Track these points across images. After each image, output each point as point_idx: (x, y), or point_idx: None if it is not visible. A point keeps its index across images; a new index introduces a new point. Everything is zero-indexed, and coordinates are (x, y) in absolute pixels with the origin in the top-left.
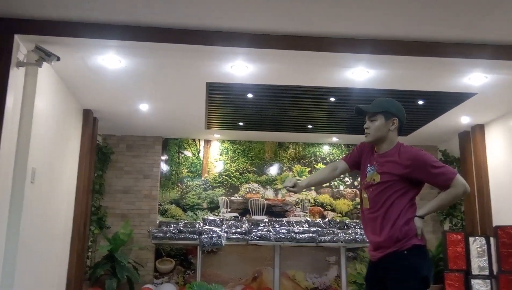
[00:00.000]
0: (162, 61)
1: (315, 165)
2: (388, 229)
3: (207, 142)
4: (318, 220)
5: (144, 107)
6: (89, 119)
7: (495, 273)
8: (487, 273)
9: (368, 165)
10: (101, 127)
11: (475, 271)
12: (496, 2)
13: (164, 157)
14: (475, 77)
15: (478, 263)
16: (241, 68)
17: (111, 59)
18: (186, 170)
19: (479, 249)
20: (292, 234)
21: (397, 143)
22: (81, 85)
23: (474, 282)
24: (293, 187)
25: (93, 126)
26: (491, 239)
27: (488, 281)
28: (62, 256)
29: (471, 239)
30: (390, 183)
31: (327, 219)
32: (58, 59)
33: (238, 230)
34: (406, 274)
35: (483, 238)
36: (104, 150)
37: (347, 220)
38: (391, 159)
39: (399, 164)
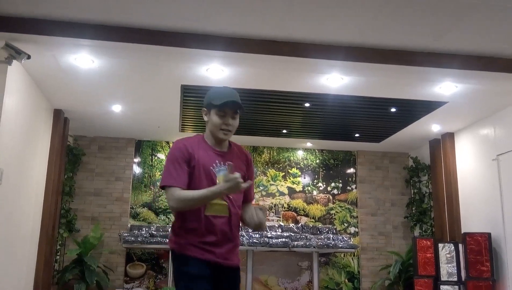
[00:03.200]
0: (136, 62)
1: (289, 170)
2: (238, 234)
3: None
4: (291, 225)
5: (117, 108)
6: (59, 119)
7: (463, 279)
8: (455, 279)
9: (214, 165)
10: (72, 128)
11: (444, 277)
12: (466, 13)
13: (136, 160)
14: (445, 86)
15: (447, 269)
16: (216, 71)
17: (83, 59)
18: (159, 173)
19: (448, 255)
20: (265, 239)
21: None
22: (52, 84)
23: (443, 288)
24: None
25: (63, 126)
26: (460, 245)
27: (456, 287)
28: (29, 259)
29: (440, 245)
30: None
31: (300, 224)
32: (29, 57)
33: None
34: None
35: (452, 244)
36: (75, 151)
37: (320, 225)
38: (236, 157)
39: (244, 161)
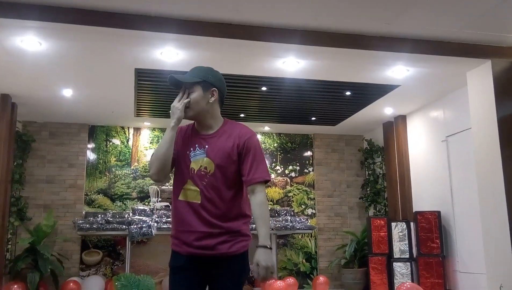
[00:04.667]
0: (86, 45)
1: None
2: (228, 219)
3: (137, 130)
4: None
5: (68, 92)
6: (7, 104)
7: (414, 256)
8: (407, 256)
9: (191, 149)
10: (21, 114)
11: (396, 255)
12: None
13: (90, 145)
14: (398, 70)
15: (399, 246)
16: (171, 54)
17: (30, 41)
18: (115, 159)
19: (400, 234)
20: None
21: (225, 119)
22: None
23: (395, 265)
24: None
25: (11, 112)
26: (411, 224)
27: (408, 263)
28: None
29: (393, 224)
30: (225, 168)
31: None
32: None
33: (169, 219)
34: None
35: (404, 223)
36: (24, 138)
37: (278, 207)
38: (223, 137)
39: (233, 140)
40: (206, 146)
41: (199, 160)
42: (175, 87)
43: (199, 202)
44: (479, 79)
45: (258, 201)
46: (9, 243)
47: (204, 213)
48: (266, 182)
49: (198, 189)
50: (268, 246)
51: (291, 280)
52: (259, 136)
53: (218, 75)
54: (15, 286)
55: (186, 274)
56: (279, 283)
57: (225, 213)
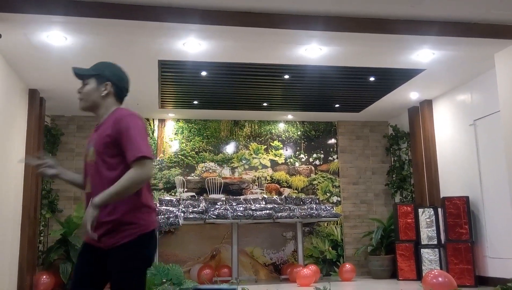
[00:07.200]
0: (110, 38)
1: (270, 143)
2: (111, 209)
3: (162, 121)
4: (274, 196)
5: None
6: (35, 99)
7: (443, 242)
8: (435, 242)
9: (89, 143)
10: (49, 108)
11: (424, 241)
12: None
13: None
14: (423, 54)
15: (427, 233)
16: (193, 45)
17: (56, 36)
18: None
19: (428, 220)
20: (249, 211)
21: (114, 109)
22: (25, 63)
23: (423, 251)
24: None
25: (40, 106)
26: (439, 209)
27: (436, 250)
28: (13, 242)
29: (420, 210)
30: (104, 154)
31: (283, 196)
32: None
33: (196, 209)
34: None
35: (431, 209)
36: (53, 132)
37: (303, 196)
38: (104, 126)
39: (109, 125)
40: (95, 137)
41: (90, 151)
42: (79, 79)
43: (90, 191)
44: (507, 61)
45: (124, 175)
46: (42, 235)
47: (86, 196)
48: (141, 158)
49: (90, 179)
50: (93, 203)
51: (313, 267)
52: (282, 125)
53: (116, 71)
54: (48, 277)
55: (84, 261)
56: (305, 271)
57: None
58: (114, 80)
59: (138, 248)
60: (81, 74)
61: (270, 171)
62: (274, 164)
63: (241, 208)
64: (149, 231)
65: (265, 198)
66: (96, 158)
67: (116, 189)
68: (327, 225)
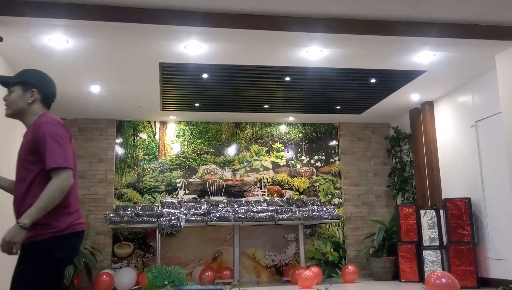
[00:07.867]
0: (112, 41)
1: (272, 145)
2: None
3: (163, 124)
4: (276, 198)
5: (95, 89)
6: None
7: (444, 243)
8: (437, 244)
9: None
10: (51, 110)
11: (426, 243)
12: None
13: (118, 140)
14: (424, 55)
15: (429, 234)
16: (195, 47)
17: (58, 39)
18: (142, 153)
19: (429, 221)
20: (251, 213)
21: (40, 114)
22: (26, 66)
23: (425, 253)
24: None
25: None
26: (441, 211)
27: (438, 251)
28: None
29: (422, 212)
30: (25, 160)
31: (285, 198)
32: (1, 39)
33: (197, 211)
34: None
35: (433, 210)
36: None
37: (304, 197)
38: (28, 133)
39: (29, 134)
40: (22, 143)
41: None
42: (4, 86)
43: (14, 197)
44: (508, 62)
45: (47, 187)
46: None
47: (15, 204)
48: (56, 169)
49: (15, 185)
50: (21, 223)
51: (315, 269)
52: (283, 127)
53: (42, 78)
54: None
55: None
56: (307, 273)
57: (21, 203)
58: (40, 86)
59: (47, 249)
60: (6, 82)
61: (271, 173)
62: (275, 166)
63: (243, 210)
64: (65, 234)
65: (266, 200)
66: (18, 164)
67: (40, 205)
68: (329, 227)
